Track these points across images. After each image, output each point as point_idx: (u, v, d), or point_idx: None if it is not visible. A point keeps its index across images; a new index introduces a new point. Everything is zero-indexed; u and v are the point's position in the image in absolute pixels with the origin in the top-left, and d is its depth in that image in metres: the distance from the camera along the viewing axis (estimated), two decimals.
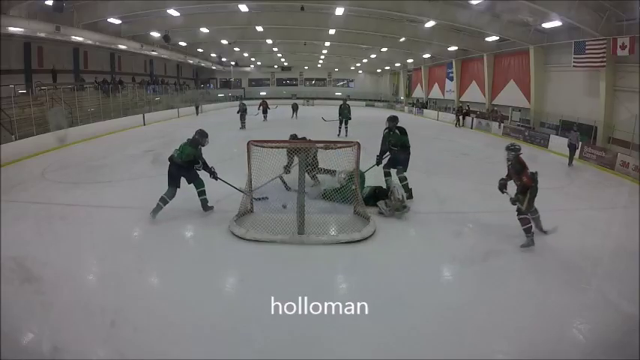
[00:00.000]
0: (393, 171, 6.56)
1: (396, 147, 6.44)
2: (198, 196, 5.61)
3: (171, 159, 5.40)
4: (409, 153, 6.53)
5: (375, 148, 7.59)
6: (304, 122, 18.32)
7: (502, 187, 5.16)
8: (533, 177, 4.92)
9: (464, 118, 20.58)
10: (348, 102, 14.29)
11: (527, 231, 4.86)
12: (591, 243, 5.15)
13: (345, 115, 13.82)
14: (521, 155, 5.04)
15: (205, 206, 5.67)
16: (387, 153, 6.52)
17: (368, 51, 27.16)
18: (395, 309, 3.47)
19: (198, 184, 5.58)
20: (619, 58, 12.22)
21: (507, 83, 18.93)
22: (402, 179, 6.47)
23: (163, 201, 5.34)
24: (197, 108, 23.60)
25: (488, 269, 4.36)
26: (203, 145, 5.59)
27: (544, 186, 8.22)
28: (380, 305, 3.50)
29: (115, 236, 4.93)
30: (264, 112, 19.47)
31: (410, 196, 6.37)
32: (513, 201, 4.89)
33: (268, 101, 20.85)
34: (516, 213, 4.89)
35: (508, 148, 5.10)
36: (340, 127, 13.80)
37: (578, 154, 12.01)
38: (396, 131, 6.52)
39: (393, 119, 6.64)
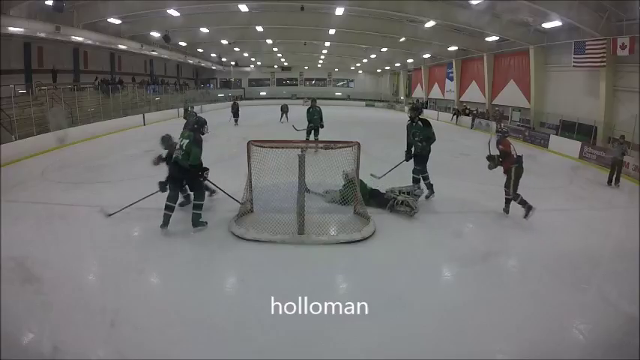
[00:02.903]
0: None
1: (421, 142, 6.15)
2: (193, 209, 5.09)
3: (175, 162, 4.94)
4: (426, 150, 6.24)
5: (375, 150, 7.59)
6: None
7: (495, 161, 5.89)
8: (518, 160, 5.76)
9: (458, 118, 21.05)
10: (318, 103, 10.43)
11: (523, 203, 5.60)
12: (591, 243, 5.15)
13: (314, 121, 9.99)
14: (507, 138, 5.92)
15: (197, 222, 5.07)
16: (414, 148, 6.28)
17: (368, 51, 27.17)
18: (395, 309, 3.47)
19: (200, 196, 5.06)
20: (619, 58, 12.23)
21: (507, 83, 18.94)
22: (415, 180, 6.38)
23: (169, 209, 4.97)
24: (186, 110, 21.07)
25: (488, 269, 4.37)
26: (203, 134, 5.10)
27: (544, 186, 8.33)
28: (380, 305, 3.49)
29: (115, 236, 4.92)
30: (235, 114, 17.43)
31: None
32: (490, 159, 5.86)
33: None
34: (508, 195, 5.81)
35: (498, 132, 6.13)
36: (308, 139, 9.78)
37: (579, 154, 12.03)
38: (419, 122, 6.19)
39: (413, 109, 6.35)
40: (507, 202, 5.93)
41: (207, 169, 5.09)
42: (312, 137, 9.97)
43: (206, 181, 5.16)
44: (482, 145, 6.66)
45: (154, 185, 5.43)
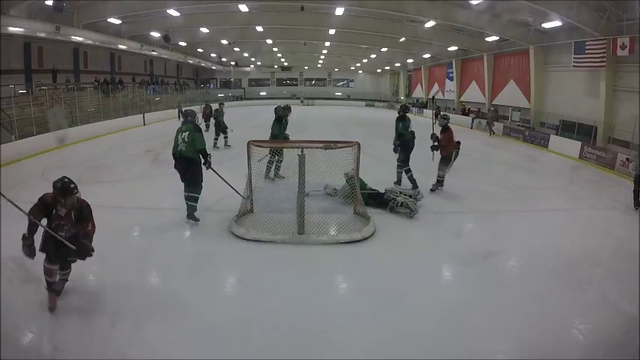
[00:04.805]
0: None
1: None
2: (189, 201, 5.21)
3: (180, 154, 5.03)
4: (402, 143, 6.94)
5: (375, 151, 7.65)
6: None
7: (434, 138, 6.93)
8: (458, 144, 6.81)
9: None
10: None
11: (440, 182, 6.91)
12: (591, 243, 5.15)
13: (280, 138, 7.24)
14: (449, 124, 6.90)
15: (192, 215, 5.23)
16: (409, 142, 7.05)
17: (368, 51, 27.18)
18: (395, 309, 3.47)
19: (197, 189, 5.19)
20: (619, 58, 12.22)
21: (507, 83, 18.94)
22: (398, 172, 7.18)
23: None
24: (180, 112, 17.94)
25: (488, 269, 4.37)
26: (198, 122, 5.31)
27: (544, 186, 8.33)
28: (380, 305, 3.50)
29: (114, 236, 4.92)
30: (207, 119, 14.11)
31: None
32: (433, 143, 6.90)
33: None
34: (441, 177, 6.90)
35: (442, 117, 7.01)
36: (269, 168, 7.12)
37: (579, 154, 12.01)
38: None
39: (399, 107, 7.46)
40: (439, 182, 6.95)
41: (210, 155, 5.18)
42: (274, 166, 7.21)
43: (209, 169, 5.19)
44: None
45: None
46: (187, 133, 5.04)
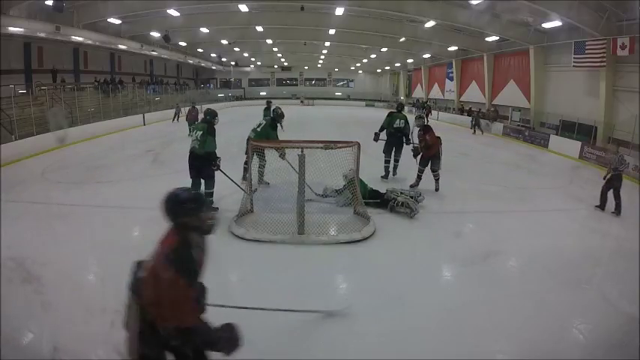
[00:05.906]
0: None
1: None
2: (206, 197, 5.52)
3: (192, 151, 5.34)
4: (387, 137, 7.43)
5: (375, 151, 7.69)
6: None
7: (415, 150, 7.02)
8: (439, 141, 6.82)
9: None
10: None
11: (419, 179, 6.97)
12: (591, 243, 5.15)
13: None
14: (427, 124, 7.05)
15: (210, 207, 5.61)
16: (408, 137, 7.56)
17: (368, 51, 27.20)
18: (395, 309, 3.47)
19: (210, 185, 5.48)
20: (619, 58, 12.23)
21: (507, 83, 18.95)
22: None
23: None
24: (177, 114, 17.92)
25: (489, 269, 4.36)
26: (215, 124, 5.54)
27: (544, 186, 8.33)
28: (380, 305, 3.50)
29: (114, 236, 4.92)
30: (191, 123, 12.63)
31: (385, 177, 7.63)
32: (415, 152, 7.01)
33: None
34: (435, 172, 6.93)
35: (418, 117, 7.23)
36: (262, 173, 6.77)
37: (579, 154, 12.02)
38: None
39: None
40: (430, 179, 6.97)
41: (219, 158, 5.39)
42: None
43: (218, 170, 5.38)
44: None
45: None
46: (201, 132, 5.32)
